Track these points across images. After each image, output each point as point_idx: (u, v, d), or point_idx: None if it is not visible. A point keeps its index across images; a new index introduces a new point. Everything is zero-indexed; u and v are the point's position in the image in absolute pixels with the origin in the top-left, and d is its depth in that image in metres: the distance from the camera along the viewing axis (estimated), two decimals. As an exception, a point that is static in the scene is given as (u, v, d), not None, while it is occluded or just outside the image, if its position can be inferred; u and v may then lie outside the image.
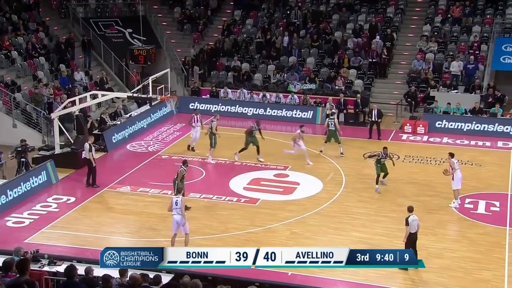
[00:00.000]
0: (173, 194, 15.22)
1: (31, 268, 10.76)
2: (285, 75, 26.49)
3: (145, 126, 22.64)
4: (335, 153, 19.92)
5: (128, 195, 16.84)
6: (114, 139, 20.92)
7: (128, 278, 9.28)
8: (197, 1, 31.09)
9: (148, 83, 19.23)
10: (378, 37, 26.81)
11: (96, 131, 20.94)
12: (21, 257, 10.03)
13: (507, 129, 22.16)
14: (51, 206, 16.10)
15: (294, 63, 26.86)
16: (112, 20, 28.98)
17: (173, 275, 10.74)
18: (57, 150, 18.98)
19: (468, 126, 22.47)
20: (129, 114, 23.14)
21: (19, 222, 15.14)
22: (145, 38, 26.96)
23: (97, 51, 27.53)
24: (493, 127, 22.28)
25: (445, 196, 16.73)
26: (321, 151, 19.96)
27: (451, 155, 16.37)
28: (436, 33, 27.22)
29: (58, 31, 27.81)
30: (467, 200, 16.51)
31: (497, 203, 16.34)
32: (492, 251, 13.84)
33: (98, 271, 9.59)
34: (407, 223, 12.80)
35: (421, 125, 22.62)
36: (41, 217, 15.43)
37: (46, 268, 11.43)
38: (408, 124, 22.84)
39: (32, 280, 8.14)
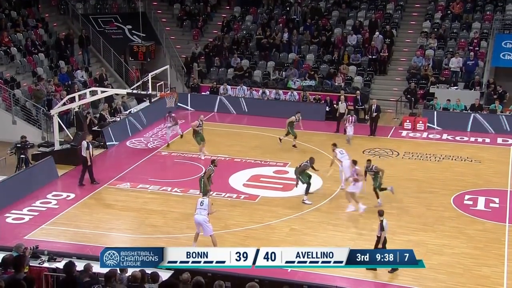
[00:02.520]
0: (200, 193, 15.32)
1: (31, 264, 10.85)
2: (284, 72, 26.47)
3: (144, 123, 22.64)
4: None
5: (128, 191, 16.83)
6: (114, 135, 20.91)
7: (129, 275, 9.31)
8: (196, -2, 31.05)
9: (148, 80, 19.23)
10: (377, 33, 26.76)
11: (95, 128, 20.94)
12: (21, 254, 10.03)
13: (506, 125, 22.13)
14: (51, 202, 16.09)
15: (296, 59, 26.84)
16: (112, 17, 28.94)
17: (172, 271, 10.72)
18: (57, 147, 18.98)
19: (467, 122, 22.44)
20: (128, 110, 23.14)
21: (19, 219, 15.13)
22: (144, 35, 26.93)
23: (96, 48, 27.49)
24: (493, 124, 22.25)
25: (445, 192, 16.76)
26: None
27: (354, 162, 15.79)
28: (436, 30, 27.19)
29: (58, 27, 27.77)
30: (467, 197, 16.51)
31: (497, 200, 16.34)
32: (492, 247, 13.84)
33: (98, 268, 9.59)
34: (382, 228, 12.52)
35: (420, 122, 22.61)
36: (40, 213, 15.43)
37: (46, 265, 11.40)
38: (407, 121, 22.83)
39: (31, 277, 8.16)
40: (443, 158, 19.47)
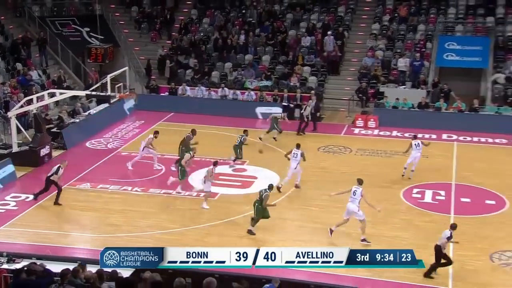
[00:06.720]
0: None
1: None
2: (242, 72, 27.01)
3: (104, 124, 22.74)
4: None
5: (88, 192, 16.91)
6: (73, 136, 20.96)
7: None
8: (154, 0, 31.14)
9: (107, 81, 19.39)
10: (329, 32, 27.43)
11: (54, 129, 20.95)
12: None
13: (450, 122, 23.13)
14: (10, 204, 16.04)
15: (250, 61, 27.42)
16: (69, 19, 28.84)
17: (133, 269, 9.98)
18: (15, 149, 18.93)
19: (415, 119, 23.29)
20: (88, 112, 23.20)
21: (-22, 221, 15.01)
22: (102, 37, 26.95)
23: (54, 50, 27.34)
24: (438, 120, 23.24)
25: (396, 187, 17.51)
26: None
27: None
28: (384, 31, 28.23)
29: (14, 30, 27.44)
30: (415, 190, 17.33)
31: (443, 192, 17.22)
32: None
33: (56, 267, 9.86)
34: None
35: (372, 120, 23.56)
36: (-1, 215, 15.35)
37: (5, 266, 11.38)
38: (359, 119, 23.72)
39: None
40: (393, 154, 20.37)
